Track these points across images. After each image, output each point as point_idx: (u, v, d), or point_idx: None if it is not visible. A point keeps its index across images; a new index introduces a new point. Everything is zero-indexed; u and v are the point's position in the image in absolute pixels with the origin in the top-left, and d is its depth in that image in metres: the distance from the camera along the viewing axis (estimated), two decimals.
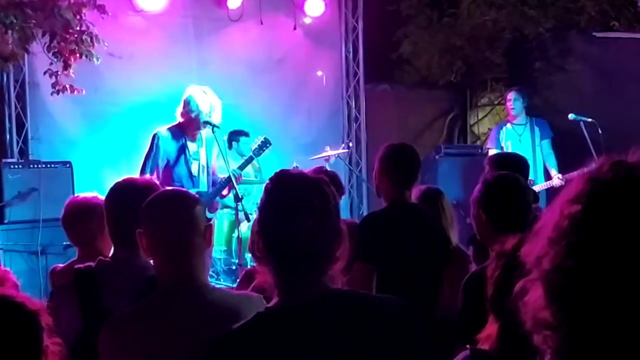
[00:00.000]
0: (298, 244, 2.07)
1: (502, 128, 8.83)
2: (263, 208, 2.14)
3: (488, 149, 8.83)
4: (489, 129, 11.85)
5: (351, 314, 2.08)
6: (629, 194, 1.08)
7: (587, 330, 1.08)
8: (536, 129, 8.52)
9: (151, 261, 3.11)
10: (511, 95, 8.76)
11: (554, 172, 8.38)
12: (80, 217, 3.65)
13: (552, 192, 7.99)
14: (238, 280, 4.81)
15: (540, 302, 1.13)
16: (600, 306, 1.06)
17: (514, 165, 4.71)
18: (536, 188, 7.93)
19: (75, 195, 3.94)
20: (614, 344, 1.06)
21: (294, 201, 2.10)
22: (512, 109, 8.68)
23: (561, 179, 7.99)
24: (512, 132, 8.65)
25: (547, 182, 8.26)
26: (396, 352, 2.08)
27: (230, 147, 8.62)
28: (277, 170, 2.23)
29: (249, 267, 6.16)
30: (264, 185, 2.19)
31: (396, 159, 4.45)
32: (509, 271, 2.24)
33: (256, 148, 6.92)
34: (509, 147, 8.49)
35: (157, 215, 2.64)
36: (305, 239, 2.06)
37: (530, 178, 7.98)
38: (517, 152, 8.07)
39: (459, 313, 3.38)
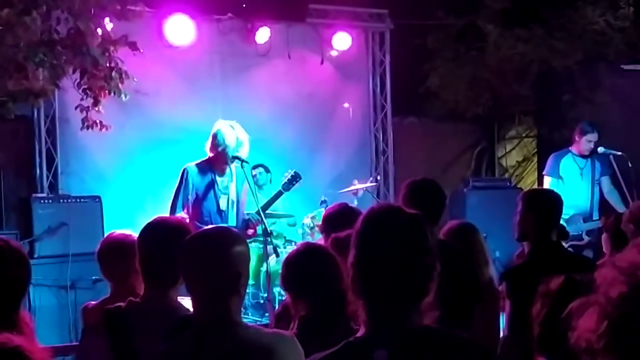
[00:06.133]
0: (389, 282, 2.09)
1: (563, 157, 8.24)
2: (359, 243, 2.16)
3: (543, 175, 8.43)
4: (517, 162, 11.82)
5: (434, 352, 2.11)
6: None
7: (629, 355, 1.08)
8: (597, 164, 8.16)
9: (181, 299, 3.13)
10: (594, 137, 8.03)
11: (620, 208, 7.66)
12: (116, 254, 3.67)
13: None
14: (275, 315, 4.75)
15: (592, 326, 1.14)
16: None
17: (551, 202, 4.62)
18: (589, 226, 7.72)
19: (112, 231, 3.97)
20: None
21: (389, 239, 2.12)
22: (588, 150, 8.05)
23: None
24: (574, 164, 8.16)
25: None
26: None
27: None
28: (374, 204, 2.24)
29: (284, 300, 6.11)
30: (361, 217, 2.19)
31: (418, 196, 4.39)
32: (555, 311, 2.23)
33: (286, 182, 6.89)
34: (568, 178, 8.11)
35: (193, 255, 2.65)
36: (400, 278, 2.09)
37: (582, 215, 7.85)
38: (576, 184, 7.97)
39: None
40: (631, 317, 1.09)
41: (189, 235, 2.80)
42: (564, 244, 4.80)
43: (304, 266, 3.29)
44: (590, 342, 1.13)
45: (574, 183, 8.05)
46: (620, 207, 7.89)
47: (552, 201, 4.63)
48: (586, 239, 7.63)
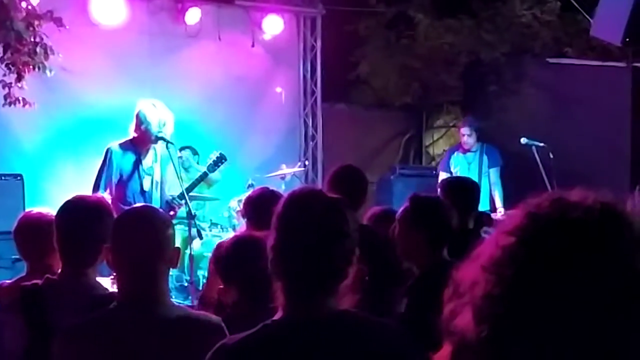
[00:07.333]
0: (309, 264, 2.10)
1: (453, 153, 8.75)
2: (279, 225, 2.16)
3: (440, 172, 8.80)
4: (444, 150, 11.98)
5: (350, 336, 2.12)
6: (561, 234, 1.10)
7: (508, 356, 1.09)
8: (485, 157, 8.45)
9: (100, 279, 3.10)
10: (465, 130, 8.61)
11: (499, 203, 8.33)
12: (33, 232, 3.60)
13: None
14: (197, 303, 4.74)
15: (468, 325, 1.14)
16: (521, 336, 1.08)
17: (464, 189, 4.74)
18: None
19: (29, 209, 3.89)
20: None
21: (309, 221, 2.12)
22: (465, 143, 8.56)
23: (504, 215, 7.73)
24: (463, 159, 8.60)
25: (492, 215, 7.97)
26: None
27: None
28: (296, 188, 2.25)
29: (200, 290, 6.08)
30: (282, 199, 2.20)
31: (340, 182, 4.44)
32: None
33: (211, 164, 6.81)
34: (457, 173, 8.42)
35: (124, 234, 2.63)
36: (318, 261, 2.10)
37: None
38: None
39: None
40: (507, 319, 1.10)
41: (122, 212, 2.79)
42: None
43: (239, 253, 3.28)
44: (469, 340, 1.14)
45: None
46: (500, 202, 8.18)
47: (468, 189, 4.78)
48: None
